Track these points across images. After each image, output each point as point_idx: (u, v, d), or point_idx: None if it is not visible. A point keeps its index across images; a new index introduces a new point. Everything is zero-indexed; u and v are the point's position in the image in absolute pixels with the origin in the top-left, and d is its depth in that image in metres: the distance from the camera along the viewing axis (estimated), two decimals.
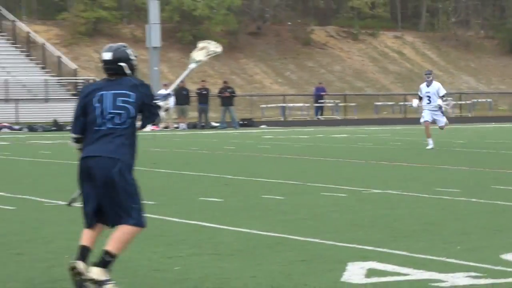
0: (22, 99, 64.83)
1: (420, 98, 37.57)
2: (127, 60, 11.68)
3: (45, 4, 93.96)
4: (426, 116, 37.39)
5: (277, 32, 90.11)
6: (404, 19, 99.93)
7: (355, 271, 12.83)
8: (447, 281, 12.33)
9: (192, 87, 67.31)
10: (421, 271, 12.93)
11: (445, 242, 15.70)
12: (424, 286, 12.20)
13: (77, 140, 11.89)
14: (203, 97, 65.05)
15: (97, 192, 11.40)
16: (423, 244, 15.13)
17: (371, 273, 12.82)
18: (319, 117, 72.31)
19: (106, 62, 11.58)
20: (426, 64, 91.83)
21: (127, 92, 11.59)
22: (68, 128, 58.73)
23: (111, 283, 10.97)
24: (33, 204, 21.33)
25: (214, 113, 66.58)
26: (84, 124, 11.55)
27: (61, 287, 11.97)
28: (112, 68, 11.66)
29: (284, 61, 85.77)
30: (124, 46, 11.79)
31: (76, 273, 10.90)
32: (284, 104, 73.48)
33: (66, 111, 62.74)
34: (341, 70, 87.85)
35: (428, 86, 36.61)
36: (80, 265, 10.95)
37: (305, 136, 50.96)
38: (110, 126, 11.44)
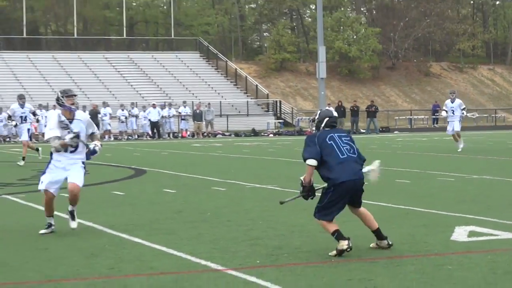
0: (231, 114, 64.96)
1: (446, 111, 35.88)
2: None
3: (247, 50, 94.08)
4: (449, 128, 35.40)
5: (406, 66, 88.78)
6: (495, 56, 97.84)
7: (460, 233, 12.95)
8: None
9: (347, 105, 67.05)
10: (507, 233, 12.97)
11: None
12: (509, 243, 12.26)
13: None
14: (355, 112, 64.81)
15: (345, 201, 11.59)
16: (509, 214, 15.08)
17: (471, 234, 12.94)
18: (435, 125, 71.45)
19: (333, 118, 11.76)
20: (510, 88, 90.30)
21: (346, 134, 11.88)
22: (263, 134, 59.92)
23: None
24: (237, 186, 21.68)
25: (361, 123, 66.09)
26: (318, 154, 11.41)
27: (256, 244, 12.20)
28: (335, 122, 11.91)
29: (411, 87, 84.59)
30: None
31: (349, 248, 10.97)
32: (410, 116, 72.85)
33: (260, 123, 63.18)
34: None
35: (452, 102, 35.54)
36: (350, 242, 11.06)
37: (425, 139, 50.32)
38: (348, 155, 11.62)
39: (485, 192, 19.82)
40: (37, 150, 30.75)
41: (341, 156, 11.49)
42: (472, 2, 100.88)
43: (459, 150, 34.59)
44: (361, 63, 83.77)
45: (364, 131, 64.23)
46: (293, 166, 28.84)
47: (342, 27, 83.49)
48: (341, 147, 11.58)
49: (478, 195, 18.99)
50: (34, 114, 32.86)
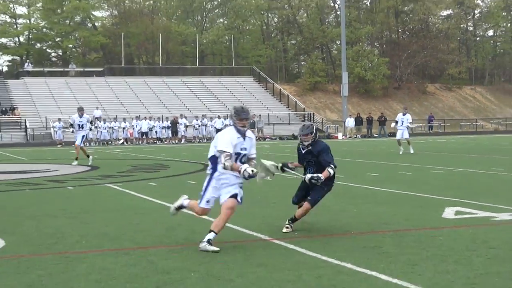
0: (276, 123, 65.06)
1: (397, 122, 34.81)
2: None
3: (289, 75, 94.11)
4: (398, 134, 34.32)
5: (408, 87, 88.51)
6: (476, 79, 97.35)
7: (448, 212, 12.92)
8: (498, 217, 12.31)
9: (363, 116, 66.97)
10: (484, 212, 12.90)
11: (502, 198, 15.53)
12: (486, 220, 12.18)
13: None
14: (369, 121, 64.80)
15: None
16: (486, 198, 15.00)
17: (457, 213, 12.88)
18: (430, 131, 71.15)
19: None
20: (487, 103, 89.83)
21: None
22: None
23: None
24: (280, 177, 21.41)
25: (374, 129, 65.83)
26: None
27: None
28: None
29: (412, 102, 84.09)
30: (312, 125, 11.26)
31: None
32: (410, 125, 72.82)
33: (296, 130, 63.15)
34: (442, 107, 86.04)
35: (403, 115, 34.41)
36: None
37: (422, 141, 49.90)
38: None
39: (467, 181, 19.76)
40: (88, 156, 28.56)
41: None
42: (458, 38, 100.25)
43: (401, 153, 33.29)
44: (374, 85, 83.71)
45: (376, 135, 64.30)
46: None
47: (360, 58, 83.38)
48: None
49: (462, 183, 18.93)
50: (91, 122, 32.47)
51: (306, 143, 11.00)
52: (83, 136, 28.70)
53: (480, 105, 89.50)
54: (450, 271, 8.28)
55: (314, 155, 11.02)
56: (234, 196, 9.59)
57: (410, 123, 35.16)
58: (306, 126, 11.16)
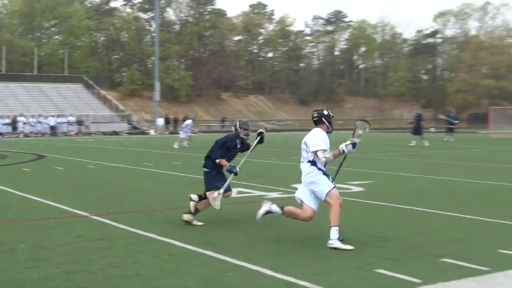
0: (101, 122, 63.58)
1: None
2: (235, 127, 9.75)
3: (113, 83, 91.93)
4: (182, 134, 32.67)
5: (207, 94, 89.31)
6: (258, 90, 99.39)
7: (233, 191, 13.02)
8: (269, 195, 12.62)
9: (171, 116, 66.62)
10: (260, 191, 13.18)
11: (273, 180, 15.84)
12: (260, 197, 12.49)
13: None
14: (176, 121, 64.68)
15: None
16: (263, 181, 15.31)
17: (239, 192, 13.08)
18: (223, 129, 71.92)
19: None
20: (266, 108, 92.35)
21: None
22: (120, 134, 59.51)
23: None
24: (102, 165, 21.42)
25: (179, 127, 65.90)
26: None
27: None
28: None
29: (210, 107, 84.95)
30: (236, 122, 9.90)
31: None
32: (209, 124, 73.88)
33: (119, 127, 62.16)
34: (233, 110, 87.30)
35: (183, 121, 32.57)
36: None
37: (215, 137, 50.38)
38: None
39: (248, 167, 20.07)
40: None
41: None
42: (246, 58, 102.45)
43: (176, 147, 31.99)
44: (181, 92, 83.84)
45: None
46: (131, 151, 28.53)
47: (170, 71, 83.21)
48: None
49: (244, 169, 19.18)
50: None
51: (246, 137, 9.91)
52: None
53: (261, 110, 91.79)
54: (230, 237, 8.45)
55: (242, 149, 10.06)
56: (334, 187, 8.05)
57: (187, 127, 33.19)
58: (247, 123, 10.04)
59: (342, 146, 8.11)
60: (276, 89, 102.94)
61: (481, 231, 8.93)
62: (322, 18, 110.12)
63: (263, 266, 6.76)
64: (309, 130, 8.35)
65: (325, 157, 7.97)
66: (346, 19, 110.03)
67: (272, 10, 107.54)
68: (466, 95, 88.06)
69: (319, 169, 8.06)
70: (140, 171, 18.76)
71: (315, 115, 8.32)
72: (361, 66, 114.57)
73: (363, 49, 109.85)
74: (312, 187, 8.04)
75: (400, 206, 11.37)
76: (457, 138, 41.33)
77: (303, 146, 8.19)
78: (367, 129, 8.40)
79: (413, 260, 7.09)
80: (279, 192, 13.23)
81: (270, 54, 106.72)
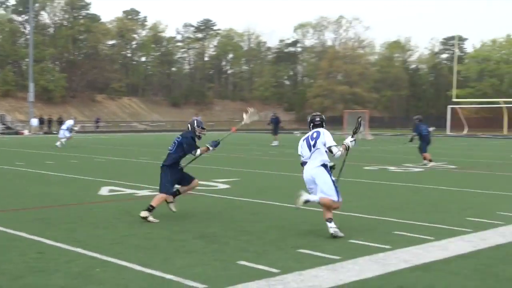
0: None
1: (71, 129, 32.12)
2: (192, 125, 9.70)
3: None
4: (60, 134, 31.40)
5: (81, 96, 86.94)
6: (132, 92, 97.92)
7: (104, 190, 12.76)
8: (139, 193, 12.39)
9: (45, 117, 64.15)
10: (130, 189, 12.96)
11: (144, 179, 15.60)
12: (131, 195, 12.26)
13: None
14: (50, 121, 62.18)
15: None
16: (134, 179, 15.06)
17: (111, 191, 12.79)
18: (97, 129, 70.16)
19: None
20: (140, 110, 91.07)
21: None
22: None
23: None
24: None
25: (54, 127, 63.56)
26: None
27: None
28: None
29: (84, 108, 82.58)
30: (193, 120, 9.86)
31: None
32: (84, 124, 71.87)
33: None
34: (107, 112, 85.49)
35: (62, 124, 31.36)
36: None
37: (88, 138, 48.99)
38: None
39: (121, 166, 19.74)
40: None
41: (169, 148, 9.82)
42: (120, 61, 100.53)
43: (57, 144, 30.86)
44: (55, 94, 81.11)
45: (55, 132, 61.83)
46: (3, 151, 27.27)
47: (44, 72, 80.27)
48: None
49: (117, 168, 18.82)
50: None
51: (202, 135, 9.83)
52: None
53: (135, 111, 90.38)
54: (100, 235, 8.23)
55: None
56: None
57: (69, 127, 31.95)
58: (203, 122, 10.05)
59: (347, 142, 8.46)
60: (149, 92, 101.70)
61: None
62: (192, 26, 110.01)
63: (131, 261, 6.65)
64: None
65: (340, 151, 8.32)
66: (215, 27, 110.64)
67: (145, 17, 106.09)
68: (324, 99, 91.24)
69: (329, 172, 8.32)
70: (11, 170, 17.91)
71: (318, 119, 8.65)
72: (229, 72, 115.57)
73: (230, 55, 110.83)
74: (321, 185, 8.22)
75: (262, 201, 11.54)
76: None
77: (319, 148, 8.34)
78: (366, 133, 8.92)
79: (273, 251, 7.21)
80: (149, 190, 13.04)
81: (143, 59, 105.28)
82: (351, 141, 8.52)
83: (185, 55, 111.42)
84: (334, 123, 57.02)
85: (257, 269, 6.38)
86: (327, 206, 8.16)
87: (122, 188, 13.40)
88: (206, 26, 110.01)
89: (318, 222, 9.30)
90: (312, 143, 8.44)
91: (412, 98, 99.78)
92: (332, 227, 8.09)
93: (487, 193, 13.36)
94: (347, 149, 8.48)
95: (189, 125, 9.85)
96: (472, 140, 42.92)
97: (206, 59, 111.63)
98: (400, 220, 9.53)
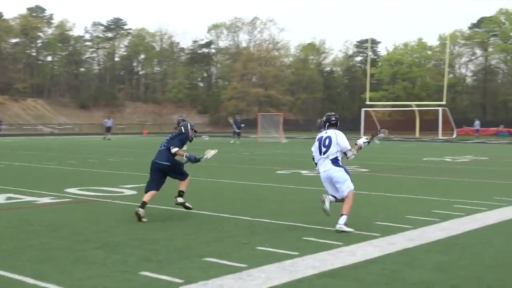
0: None
1: None
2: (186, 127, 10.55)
3: None
4: None
5: None
6: (37, 93, 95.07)
7: (1, 197, 12.25)
8: (39, 201, 11.94)
9: None
10: (30, 196, 12.45)
11: (45, 185, 15.12)
12: (31, 203, 11.80)
13: None
14: None
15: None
16: (35, 186, 14.52)
17: (9, 198, 12.29)
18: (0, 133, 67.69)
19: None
20: (46, 112, 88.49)
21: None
22: None
23: None
24: None
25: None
26: None
27: None
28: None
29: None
30: (187, 123, 10.86)
31: None
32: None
33: None
34: (10, 114, 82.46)
35: None
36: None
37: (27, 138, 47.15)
38: None
39: (22, 172, 19.09)
40: None
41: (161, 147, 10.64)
42: (24, 61, 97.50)
43: None
44: None
45: None
46: None
47: None
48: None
49: (17, 174, 18.19)
50: None
51: (193, 136, 10.74)
52: None
53: (40, 113, 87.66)
54: None
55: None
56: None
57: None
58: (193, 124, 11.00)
59: (360, 143, 9.29)
60: (56, 93, 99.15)
61: (243, 231, 9.17)
62: (102, 25, 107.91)
63: (26, 274, 6.37)
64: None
65: (354, 154, 9.14)
66: (125, 27, 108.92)
67: (51, 14, 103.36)
68: (238, 102, 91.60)
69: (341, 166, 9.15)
70: None
71: (333, 118, 9.36)
72: (141, 73, 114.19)
73: (142, 56, 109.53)
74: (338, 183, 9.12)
75: (170, 208, 11.37)
76: (239, 141, 42.78)
77: (333, 149, 9.09)
78: (387, 133, 10.17)
79: (177, 261, 7.09)
80: (51, 197, 12.62)
81: (49, 58, 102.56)
82: (364, 142, 9.39)
83: (94, 55, 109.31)
84: (248, 126, 57.28)
85: (160, 279, 6.25)
86: (352, 200, 9.09)
87: (21, 195, 12.91)
88: (116, 25, 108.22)
89: (227, 229, 9.25)
90: (323, 150, 9.23)
91: (326, 100, 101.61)
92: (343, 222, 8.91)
93: (397, 196, 13.70)
94: (359, 148, 9.34)
95: (182, 127, 10.55)
96: (385, 143, 44.11)
97: (116, 59, 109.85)
98: (310, 226, 9.59)
